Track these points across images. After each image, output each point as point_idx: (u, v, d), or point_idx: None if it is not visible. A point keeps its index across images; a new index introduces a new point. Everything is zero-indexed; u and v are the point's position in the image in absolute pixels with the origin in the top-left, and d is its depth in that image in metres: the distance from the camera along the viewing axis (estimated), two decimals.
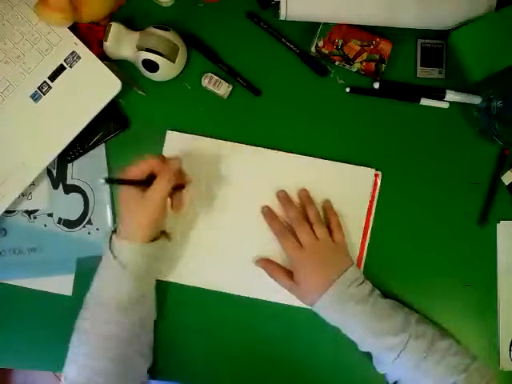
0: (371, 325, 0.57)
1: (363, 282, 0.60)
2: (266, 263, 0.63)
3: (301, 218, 0.61)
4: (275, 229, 0.63)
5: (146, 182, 0.54)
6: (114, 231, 0.56)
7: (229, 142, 0.64)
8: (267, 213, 0.64)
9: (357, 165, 0.65)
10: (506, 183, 0.66)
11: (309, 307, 0.60)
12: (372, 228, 0.64)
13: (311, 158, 0.65)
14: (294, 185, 0.64)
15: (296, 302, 0.62)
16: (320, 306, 0.58)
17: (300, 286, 0.60)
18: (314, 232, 0.60)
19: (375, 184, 0.65)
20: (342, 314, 0.58)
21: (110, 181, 0.55)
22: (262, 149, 0.65)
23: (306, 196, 0.64)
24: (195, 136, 0.64)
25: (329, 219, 0.63)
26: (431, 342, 0.56)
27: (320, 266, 0.59)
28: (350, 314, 0.57)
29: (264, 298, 0.63)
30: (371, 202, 0.65)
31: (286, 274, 0.61)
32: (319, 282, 0.58)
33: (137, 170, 0.54)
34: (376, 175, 0.65)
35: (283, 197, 0.64)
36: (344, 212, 0.64)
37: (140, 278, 0.56)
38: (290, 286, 0.61)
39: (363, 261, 0.64)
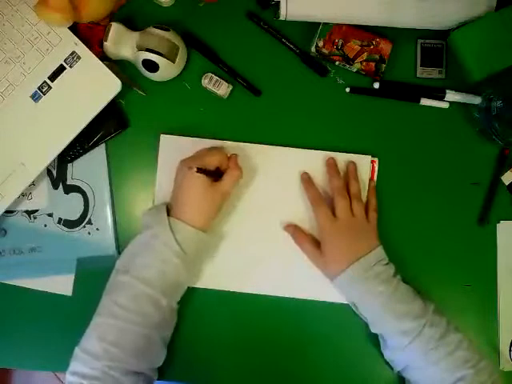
0: (391, 305, 0.57)
1: (388, 263, 0.60)
2: (294, 229, 0.63)
3: (343, 190, 0.62)
4: (311, 195, 0.63)
5: (216, 174, 0.58)
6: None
7: (222, 141, 0.64)
8: (306, 178, 0.64)
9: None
10: (506, 183, 0.66)
11: (316, 299, 0.62)
12: None
13: (307, 150, 0.65)
14: (293, 178, 0.64)
15: (307, 295, 0.63)
16: (342, 279, 0.59)
17: (325, 257, 0.60)
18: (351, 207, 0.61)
19: (373, 170, 0.65)
20: (364, 291, 0.58)
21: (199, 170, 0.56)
22: (254, 144, 0.64)
23: (353, 170, 0.64)
24: (189, 138, 0.64)
25: (369, 200, 0.63)
26: (445, 332, 0.56)
27: (349, 241, 0.59)
28: (373, 291, 0.57)
29: (275, 295, 0.63)
30: None
31: (312, 242, 0.62)
32: (346, 255, 0.59)
33: (213, 161, 0.58)
34: (373, 162, 0.65)
35: (332, 164, 0.64)
36: None
37: (189, 266, 0.57)
38: (315, 254, 0.61)
39: None
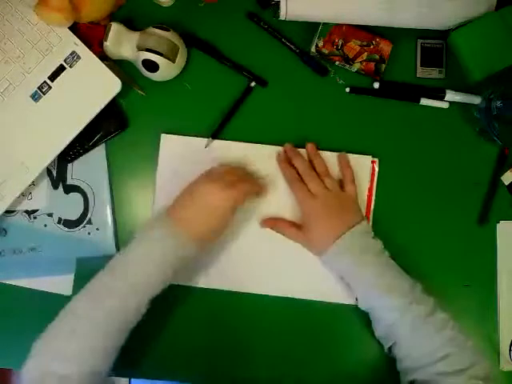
0: (382, 279, 0.57)
1: (374, 237, 0.60)
2: (272, 221, 0.63)
3: (309, 169, 0.62)
4: (288, 176, 0.63)
5: None
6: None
7: (222, 141, 0.65)
8: (282, 158, 0.64)
9: None
10: (506, 183, 0.66)
11: (318, 299, 0.62)
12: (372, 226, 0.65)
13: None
14: None
15: (308, 296, 0.63)
16: (330, 254, 0.59)
17: (311, 234, 0.60)
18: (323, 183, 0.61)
19: (373, 171, 0.65)
20: (352, 263, 0.58)
21: None
22: (256, 144, 0.65)
23: (312, 150, 0.64)
24: (189, 138, 0.64)
25: (343, 173, 0.63)
26: (432, 311, 0.56)
27: (333, 214, 0.60)
28: (360, 263, 0.57)
29: (275, 295, 0.63)
30: (370, 189, 0.65)
31: (294, 225, 0.62)
32: (332, 229, 0.59)
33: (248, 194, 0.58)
34: (373, 162, 0.65)
35: (290, 149, 0.64)
36: None
37: (176, 273, 0.55)
38: (299, 235, 0.62)
39: None
